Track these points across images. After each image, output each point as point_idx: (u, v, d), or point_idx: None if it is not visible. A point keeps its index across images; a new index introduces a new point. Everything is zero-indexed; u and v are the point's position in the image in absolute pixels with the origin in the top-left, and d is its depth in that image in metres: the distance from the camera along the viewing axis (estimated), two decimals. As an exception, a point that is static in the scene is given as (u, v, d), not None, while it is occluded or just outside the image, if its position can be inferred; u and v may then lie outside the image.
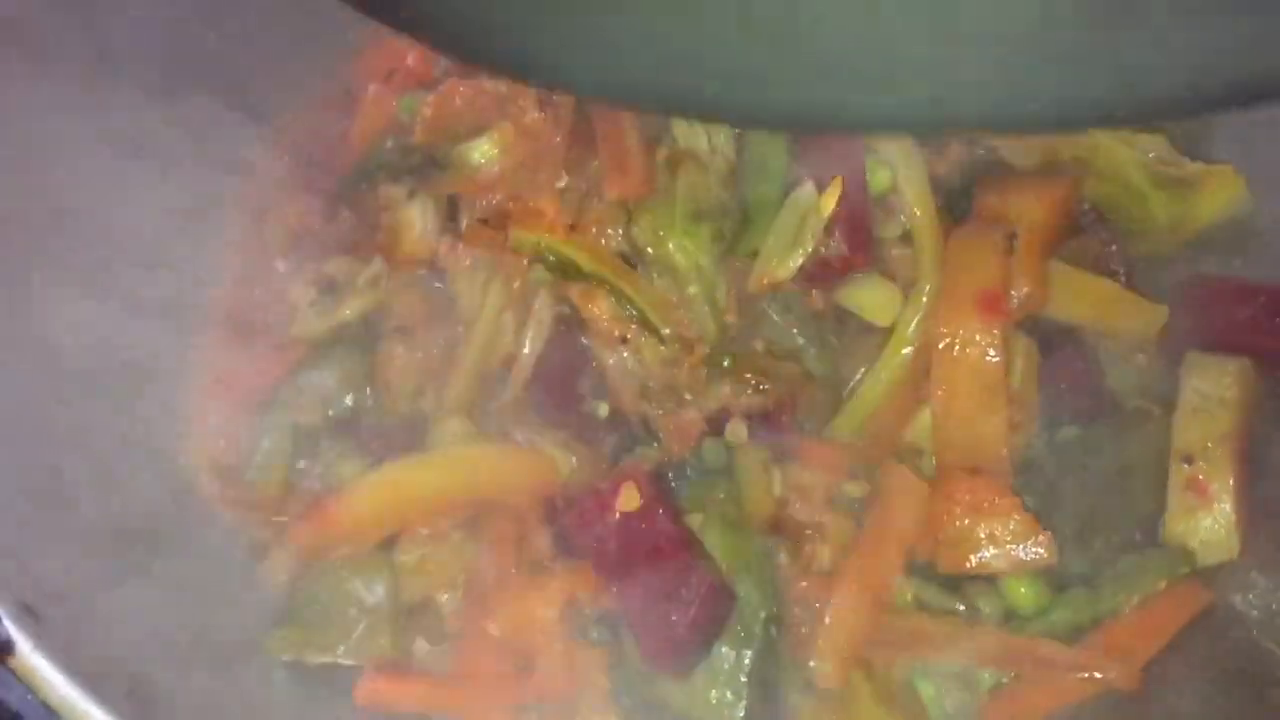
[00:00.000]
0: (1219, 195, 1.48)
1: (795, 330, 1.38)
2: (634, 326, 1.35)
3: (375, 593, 1.32)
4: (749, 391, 1.35)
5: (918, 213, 1.38)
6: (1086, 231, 1.47)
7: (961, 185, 1.46)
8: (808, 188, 1.34)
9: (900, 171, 1.38)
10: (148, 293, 1.39)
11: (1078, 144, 1.47)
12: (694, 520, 1.28)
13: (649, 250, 1.34)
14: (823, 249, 1.33)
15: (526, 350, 1.38)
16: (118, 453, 1.30)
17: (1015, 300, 1.36)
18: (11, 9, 1.28)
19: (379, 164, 1.52)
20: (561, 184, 1.38)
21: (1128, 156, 1.47)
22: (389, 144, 1.54)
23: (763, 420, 1.35)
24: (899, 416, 1.38)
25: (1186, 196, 1.47)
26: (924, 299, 1.36)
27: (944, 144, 1.46)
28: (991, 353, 1.31)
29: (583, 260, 1.35)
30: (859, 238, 1.34)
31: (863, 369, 1.40)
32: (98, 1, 1.31)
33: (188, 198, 1.45)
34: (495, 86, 1.41)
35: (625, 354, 1.36)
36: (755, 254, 1.35)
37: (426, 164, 1.47)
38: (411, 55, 1.56)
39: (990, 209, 1.43)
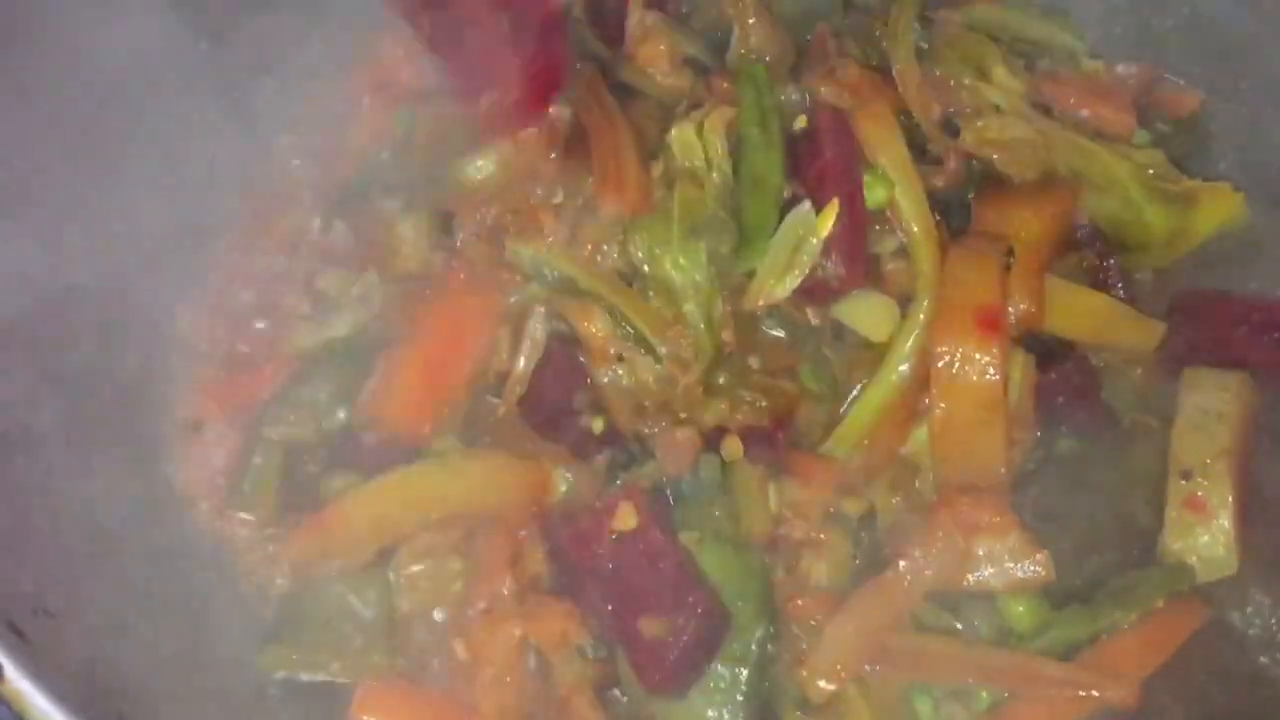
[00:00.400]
0: (1217, 211, 1.47)
1: (791, 346, 1.37)
2: (629, 344, 1.34)
3: (370, 608, 1.31)
4: (745, 408, 1.35)
5: (915, 228, 1.37)
6: (1084, 246, 1.47)
7: (959, 200, 1.45)
8: (805, 208, 1.33)
9: (898, 186, 1.37)
10: (140, 308, 1.39)
11: (1074, 157, 1.47)
12: (690, 538, 1.27)
13: (645, 267, 1.33)
14: (819, 270, 1.32)
15: (520, 366, 1.37)
16: (107, 471, 1.29)
17: (1013, 316, 1.35)
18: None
19: (374, 177, 1.51)
20: (557, 200, 1.37)
21: (1125, 170, 1.46)
22: (384, 157, 1.53)
23: (759, 437, 1.34)
24: (896, 433, 1.37)
25: (1184, 211, 1.47)
26: (921, 315, 1.35)
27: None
28: (990, 370, 1.30)
29: (580, 276, 1.34)
30: (856, 258, 1.34)
31: (859, 385, 1.39)
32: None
33: (183, 210, 1.44)
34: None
35: (620, 371, 1.35)
36: (752, 272, 1.34)
37: (421, 178, 1.47)
38: (406, 68, 1.55)
39: (988, 224, 1.42)
